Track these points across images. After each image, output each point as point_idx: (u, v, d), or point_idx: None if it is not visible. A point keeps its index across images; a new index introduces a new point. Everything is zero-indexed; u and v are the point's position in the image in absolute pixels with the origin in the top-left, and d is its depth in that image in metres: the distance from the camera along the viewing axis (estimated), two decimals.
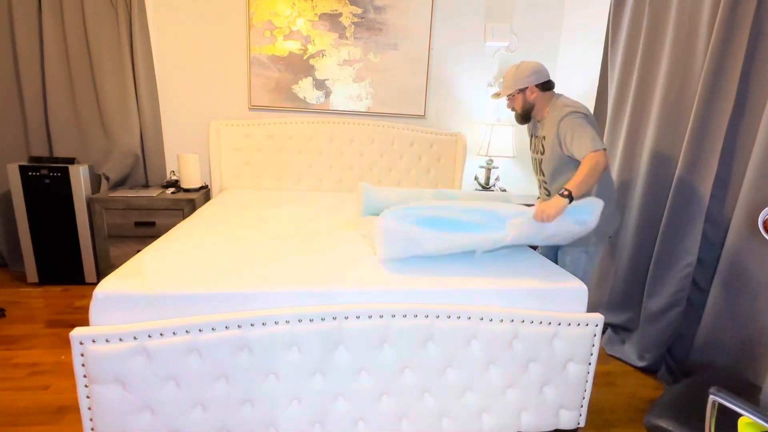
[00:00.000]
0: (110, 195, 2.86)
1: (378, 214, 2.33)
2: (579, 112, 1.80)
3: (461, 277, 1.61)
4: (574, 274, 1.74)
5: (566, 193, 1.65)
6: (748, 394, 1.34)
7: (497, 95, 2.04)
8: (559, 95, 1.96)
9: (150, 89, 3.10)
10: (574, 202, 1.64)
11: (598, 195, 1.82)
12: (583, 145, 1.72)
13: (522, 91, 1.94)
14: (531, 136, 2.09)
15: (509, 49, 3.46)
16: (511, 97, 1.99)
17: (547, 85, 1.94)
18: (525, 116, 2.00)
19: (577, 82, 3.21)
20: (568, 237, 1.73)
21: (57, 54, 2.91)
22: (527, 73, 1.91)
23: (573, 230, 1.68)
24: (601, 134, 1.95)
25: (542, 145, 1.95)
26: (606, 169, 1.78)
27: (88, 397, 1.33)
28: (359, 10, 3.23)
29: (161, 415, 1.36)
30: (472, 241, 1.66)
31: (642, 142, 2.29)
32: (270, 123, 3.25)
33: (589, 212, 1.66)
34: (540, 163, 2.00)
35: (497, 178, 3.51)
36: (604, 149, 1.69)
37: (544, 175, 2.00)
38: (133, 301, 1.34)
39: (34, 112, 2.96)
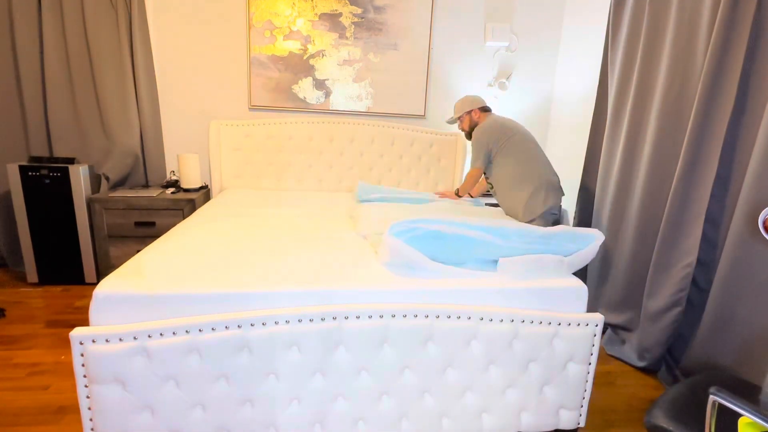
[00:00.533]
0: (110, 195, 2.86)
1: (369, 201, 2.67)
2: (476, 134, 2.59)
3: (461, 277, 1.60)
4: None
5: (458, 191, 2.82)
6: (748, 394, 1.34)
7: (452, 120, 2.78)
8: (492, 114, 2.68)
9: (150, 89, 3.10)
10: (577, 228, 1.67)
11: (516, 180, 2.51)
12: (471, 160, 2.65)
13: (469, 113, 2.69)
14: None
15: (509, 49, 3.46)
16: (460, 120, 2.74)
17: (485, 108, 2.70)
18: (472, 132, 2.70)
19: (577, 82, 3.21)
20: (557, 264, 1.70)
21: (57, 54, 2.91)
22: (470, 100, 2.71)
23: (564, 255, 1.68)
24: (518, 145, 2.53)
25: None
26: (479, 178, 2.68)
27: (88, 397, 1.33)
28: (359, 10, 3.23)
29: (161, 415, 1.36)
30: (470, 273, 1.63)
31: (642, 142, 2.29)
32: (270, 123, 3.25)
33: (585, 242, 1.66)
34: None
35: None
36: (477, 168, 2.62)
37: (485, 175, 2.74)
38: (133, 301, 1.34)
39: (34, 112, 2.96)
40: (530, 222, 2.45)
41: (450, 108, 3.49)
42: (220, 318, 1.35)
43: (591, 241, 1.65)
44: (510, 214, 2.57)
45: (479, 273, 1.61)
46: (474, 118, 2.67)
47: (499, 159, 2.55)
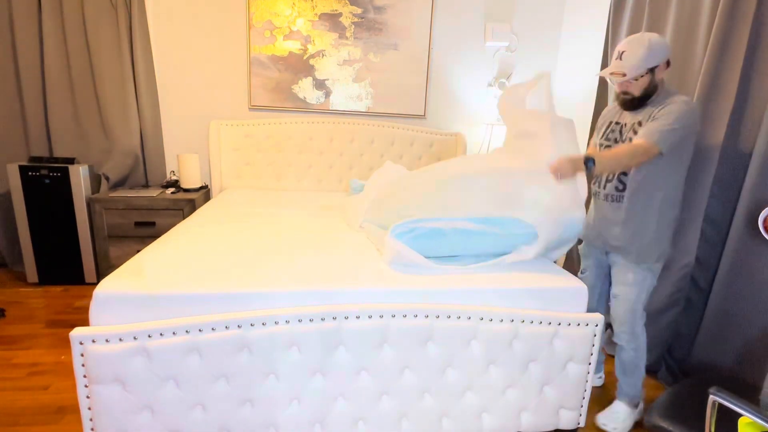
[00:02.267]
0: (110, 195, 2.86)
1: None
2: (685, 106, 1.53)
3: (461, 277, 1.61)
4: (636, 296, 1.69)
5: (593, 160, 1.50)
6: (748, 394, 1.34)
7: (617, 75, 1.58)
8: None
9: (150, 89, 3.10)
10: (565, 218, 1.68)
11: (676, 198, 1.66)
12: (647, 131, 1.51)
13: (651, 70, 1.56)
14: (609, 123, 1.77)
15: (509, 49, 3.46)
16: (649, 72, 1.57)
17: (669, 62, 1.61)
18: (644, 99, 1.60)
19: (577, 82, 3.21)
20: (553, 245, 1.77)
21: (57, 54, 2.90)
22: (659, 47, 1.55)
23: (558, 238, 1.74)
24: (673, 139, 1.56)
25: (633, 132, 1.62)
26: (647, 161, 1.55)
27: (88, 397, 1.33)
28: (359, 10, 3.23)
29: (161, 415, 1.36)
30: (470, 271, 1.66)
31: None
32: (270, 123, 3.25)
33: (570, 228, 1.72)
34: None
35: None
36: (659, 147, 1.50)
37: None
38: (133, 301, 1.33)
39: (34, 112, 2.95)
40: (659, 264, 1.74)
41: (450, 108, 3.49)
42: (220, 318, 1.35)
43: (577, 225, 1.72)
44: (638, 236, 1.68)
45: (480, 272, 1.63)
46: (657, 78, 1.60)
47: (673, 158, 1.57)
